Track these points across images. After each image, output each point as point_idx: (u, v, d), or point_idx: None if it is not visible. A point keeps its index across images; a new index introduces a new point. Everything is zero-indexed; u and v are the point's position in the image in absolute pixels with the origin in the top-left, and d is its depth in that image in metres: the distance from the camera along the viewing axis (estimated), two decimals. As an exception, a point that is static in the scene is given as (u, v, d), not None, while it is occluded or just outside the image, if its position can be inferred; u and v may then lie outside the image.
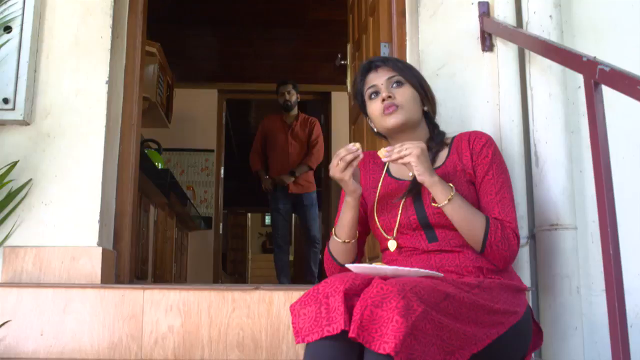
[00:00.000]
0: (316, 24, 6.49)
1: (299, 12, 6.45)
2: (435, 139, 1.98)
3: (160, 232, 4.88)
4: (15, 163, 2.19)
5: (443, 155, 1.95)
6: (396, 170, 2.00)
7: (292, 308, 1.51)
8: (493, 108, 2.36)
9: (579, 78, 2.33)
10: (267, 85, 6.86)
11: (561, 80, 2.27)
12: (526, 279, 2.18)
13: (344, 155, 1.80)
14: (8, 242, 2.19)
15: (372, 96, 1.97)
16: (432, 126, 2.02)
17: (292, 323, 1.50)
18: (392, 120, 1.91)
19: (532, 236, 2.26)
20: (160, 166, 5.04)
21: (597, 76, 1.66)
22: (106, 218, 2.31)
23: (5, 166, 2.17)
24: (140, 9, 2.51)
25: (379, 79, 1.96)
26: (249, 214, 15.21)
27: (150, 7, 2.66)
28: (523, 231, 2.25)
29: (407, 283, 1.46)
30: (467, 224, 1.76)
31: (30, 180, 2.23)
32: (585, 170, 2.34)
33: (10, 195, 2.19)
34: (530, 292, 2.18)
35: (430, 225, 1.83)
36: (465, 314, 1.53)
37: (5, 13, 2.24)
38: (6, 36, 2.23)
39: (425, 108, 1.98)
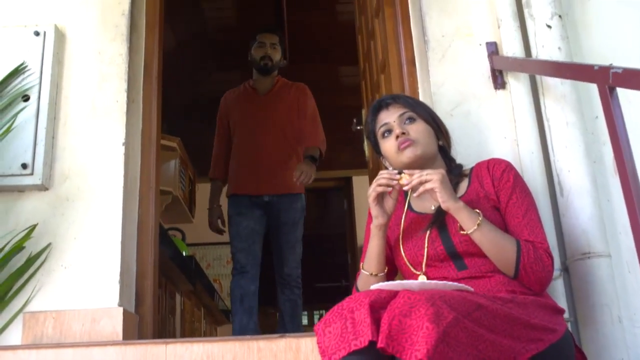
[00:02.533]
0: (332, 110, 6.59)
1: (315, 97, 6.57)
2: (454, 172, 1.95)
3: (188, 322, 4.80)
4: (34, 227, 2.18)
5: (464, 185, 1.92)
6: (418, 205, 1.96)
7: (317, 328, 1.44)
8: (511, 143, 2.34)
9: (596, 107, 2.33)
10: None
11: (577, 109, 2.25)
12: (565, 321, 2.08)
13: (387, 177, 1.80)
14: (28, 308, 2.14)
15: (385, 134, 1.96)
16: (449, 160, 2.00)
17: (318, 343, 1.42)
18: (408, 154, 1.89)
19: (565, 268, 2.18)
20: (185, 254, 5.03)
21: (610, 80, 1.64)
22: (127, 279, 2.27)
23: (24, 230, 2.16)
24: (155, 75, 2.56)
25: (390, 116, 1.95)
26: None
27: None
28: (555, 263, 2.17)
29: (435, 293, 1.39)
30: (497, 248, 1.71)
31: (50, 244, 2.21)
32: (613, 199, 2.27)
33: (30, 261, 2.16)
34: (569, 323, 2.08)
35: (458, 254, 1.77)
36: (500, 326, 1.44)
37: (24, 83, 2.30)
38: (24, 104, 2.27)
39: (440, 142, 1.97)
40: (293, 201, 3.83)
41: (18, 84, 2.29)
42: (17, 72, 2.29)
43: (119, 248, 2.24)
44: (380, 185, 1.80)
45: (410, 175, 1.74)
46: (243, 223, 3.76)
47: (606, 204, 2.26)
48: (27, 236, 2.15)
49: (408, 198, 2.01)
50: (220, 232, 3.99)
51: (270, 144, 3.83)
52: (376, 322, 1.36)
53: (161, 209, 4.93)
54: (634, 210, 1.57)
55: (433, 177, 1.71)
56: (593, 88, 2.18)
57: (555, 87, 2.26)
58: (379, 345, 1.31)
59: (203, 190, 6.46)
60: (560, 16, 2.36)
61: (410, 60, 2.61)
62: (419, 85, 2.52)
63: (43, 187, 2.26)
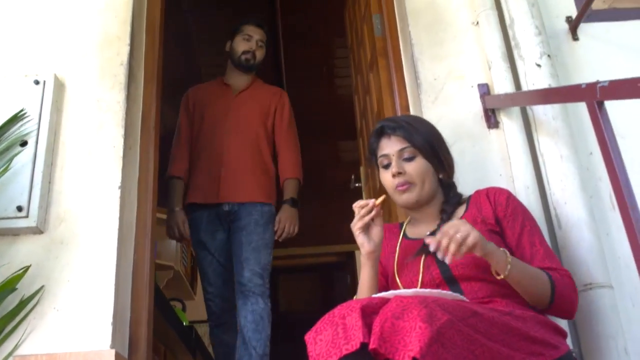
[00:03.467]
0: (331, 185, 6.63)
1: (316, 173, 6.61)
2: (451, 201, 1.94)
3: (187, 392, 4.65)
4: (27, 268, 2.15)
5: (460, 211, 1.91)
6: (412, 232, 1.96)
7: (307, 337, 1.40)
8: (507, 180, 2.35)
9: (589, 143, 2.35)
10: (292, 250, 6.87)
11: (570, 144, 2.27)
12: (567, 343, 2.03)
13: (363, 205, 1.79)
14: (19, 351, 2.08)
15: (385, 164, 1.95)
16: (448, 189, 1.98)
17: (309, 352, 1.38)
18: (404, 199, 1.89)
19: (568, 302, 2.13)
20: (185, 324, 4.94)
21: (598, 95, 1.66)
22: (120, 324, 2.22)
23: (18, 271, 2.13)
24: (152, 125, 2.58)
25: (391, 147, 1.93)
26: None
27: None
28: (556, 296, 2.13)
29: (429, 297, 1.36)
30: (533, 281, 1.67)
31: (43, 287, 2.17)
32: (612, 232, 2.26)
33: (22, 303, 2.13)
34: (574, 354, 2.02)
35: (454, 278, 1.75)
36: (498, 336, 1.40)
37: (22, 129, 2.32)
38: (21, 149, 2.29)
39: (440, 176, 1.96)
40: (257, 206, 3.28)
41: (17, 130, 2.32)
42: (16, 118, 2.32)
43: (112, 292, 2.20)
44: (362, 219, 1.79)
45: (437, 241, 1.58)
46: (207, 258, 3.30)
47: (605, 237, 2.24)
48: (20, 277, 2.12)
49: (403, 227, 2.00)
50: (183, 238, 3.35)
51: (238, 147, 3.36)
52: (368, 326, 1.33)
53: (162, 284, 4.88)
54: (633, 234, 1.54)
55: (468, 233, 1.55)
56: (586, 123, 2.22)
57: (547, 123, 2.29)
58: (371, 346, 1.27)
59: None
60: (549, 56, 2.41)
61: (405, 107, 2.64)
62: (413, 127, 2.54)
63: (38, 230, 2.24)
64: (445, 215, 1.89)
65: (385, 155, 1.94)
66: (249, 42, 3.52)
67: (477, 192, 1.94)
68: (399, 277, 1.85)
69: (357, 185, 3.65)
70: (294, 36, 5.67)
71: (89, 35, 2.56)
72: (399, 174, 1.88)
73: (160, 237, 4.51)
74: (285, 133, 3.50)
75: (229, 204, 3.27)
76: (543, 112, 2.31)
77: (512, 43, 2.48)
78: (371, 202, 1.79)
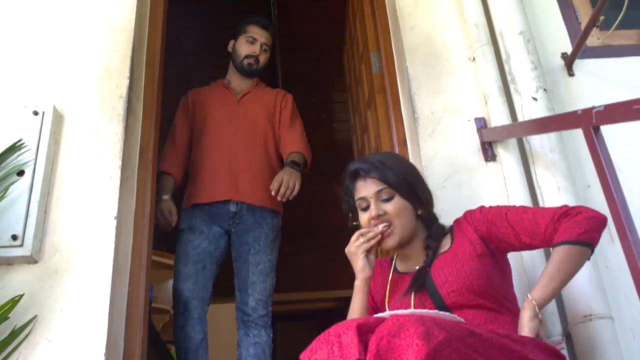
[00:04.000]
0: (332, 230, 6.61)
1: (314, 216, 6.61)
2: (434, 236, 1.92)
3: None
4: (20, 297, 2.12)
5: (447, 242, 1.90)
6: (402, 266, 1.96)
7: (302, 357, 1.38)
8: (504, 212, 2.33)
9: (587, 176, 2.35)
10: (288, 295, 6.80)
11: (567, 176, 2.28)
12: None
13: (365, 232, 1.79)
14: (8, 383, 2.05)
15: (364, 207, 1.93)
16: (430, 222, 1.96)
17: None
18: (388, 244, 1.89)
19: (567, 335, 2.10)
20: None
21: (594, 120, 1.67)
22: (113, 356, 2.17)
23: (10, 300, 2.10)
24: (150, 158, 2.59)
25: (367, 190, 1.92)
26: None
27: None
28: (556, 328, 2.10)
29: (425, 316, 1.34)
30: (572, 267, 1.68)
31: (36, 316, 2.14)
32: (611, 264, 2.25)
33: (14, 334, 2.09)
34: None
35: (447, 307, 1.73)
36: (496, 357, 1.37)
37: (19, 158, 2.32)
38: (18, 178, 2.28)
39: (419, 212, 1.93)
40: (267, 216, 3.08)
41: (14, 160, 2.32)
42: (14, 148, 2.32)
43: (106, 323, 2.17)
44: (369, 242, 1.80)
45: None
46: (194, 241, 2.99)
47: (605, 270, 2.22)
48: (13, 306, 2.09)
49: (394, 262, 2.00)
50: (169, 226, 3.04)
51: (246, 148, 3.15)
52: (364, 344, 1.30)
53: (158, 327, 4.81)
54: (634, 261, 1.53)
55: (527, 328, 1.62)
56: (582, 156, 2.22)
57: (544, 155, 2.29)
58: (367, 363, 1.24)
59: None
60: (545, 90, 2.43)
61: (402, 141, 2.66)
62: (410, 159, 2.54)
63: (32, 260, 2.22)
64: (431, 251, 1.88)
65: (363, 198, 1.93)
66: (253, 45, 3.30)
67: (456, 220, 1.94)
68: (390, 310, 1.84)
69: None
70: (294, 79, 5.73)
71: (89, 68, 2.59)
72: (378, 216, 1.87)
73: (156, 281, 4.46)
74: (290, 120, 3.29)
75: (237, 204, 3.04)
76: (540, 145, 2.31)
77: (509, 78, 2.51)
78: (380, 227, 1.80)
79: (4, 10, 2.73)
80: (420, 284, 1.79)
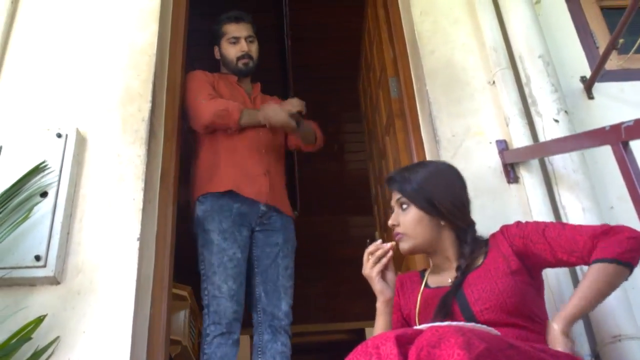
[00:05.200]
0: (342, 262, 6.59)
1: (325, 249, 6.59)
2: (467, 247, 1.90)
3: None
4: (43, 317, 2.11)
5: (481, 255, 1.89)
6: (434, 281, 1.94)
7: None
8: (528, 234, 2.32)
9: (610, 197, 2.34)
10: (299, 327, 6.75)
11: (591, 196, 2.26)
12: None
13: (373, 250, 1.79)
14: (30, 404, 2.03)
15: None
16: (464, 233, 1.93)
17: None
18: (400, 248, 1.92)
19: (596, 356, 2.07)
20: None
21: (623, 135, 1.66)
22: (135, 378, 2.16)
23: (33, 321, 2.09)
24: (172, 181, 2.59)
25: (393, 197, 2.00)
26: None
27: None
28: (584, 349, 2.07)
29: (464, 327, 1.33)
30: (603, 288, 1.65)
31: (58, 337, 2.12)
32: (638, 285, 2.22)
33: (37, 354, 2.07)
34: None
35: (479, 324, 1.71)
36: None
37: (43, 180, 2.33)
38: (41, 199, 2.29)
39: (443, 223, 1.92)
40: (290, 222, 3.03)
41: (37, 181, 2.32)
42: (38, 169, 2.33)
43: (128, 345, 2.15)
44: (379, 262, 1.79)
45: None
46: (228, 250, 2.78)
47: (632, 290, 2.19)
48: (35, 327, 2.08)
49: (425, 277, 1.98)
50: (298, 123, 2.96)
51: (272, 151, 3.06)
52: (403, 355, 1.28)
53: (168, 359, 4.77)
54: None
55: (560, 343, 1.61)
56: (606, 176, 2.22)
57: (568, 176, 2.29)
58: (408, 375, 1.23)
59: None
60: (566, 112, 2.43)
61: (422, 164, 2.65)
62: (432, 182, 2.54)
63: (55, 280, 2.21)
64: (463, 261, 1.86)
65: (392, 205, 2.00)
66: (237, 44, 3.16)
67: (493, 235, 1.94)
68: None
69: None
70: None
71: (112, 92, 2.61)
72: (392, 226, 1.94)
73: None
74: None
75: (267, 206, 2.91)
76: (563, 166, 2.31)
77: (529, 100, 2.52)
78: (388, 245, 1.80)
79: (28, 34, 2.77)
80: (447, 311, 1.76)
